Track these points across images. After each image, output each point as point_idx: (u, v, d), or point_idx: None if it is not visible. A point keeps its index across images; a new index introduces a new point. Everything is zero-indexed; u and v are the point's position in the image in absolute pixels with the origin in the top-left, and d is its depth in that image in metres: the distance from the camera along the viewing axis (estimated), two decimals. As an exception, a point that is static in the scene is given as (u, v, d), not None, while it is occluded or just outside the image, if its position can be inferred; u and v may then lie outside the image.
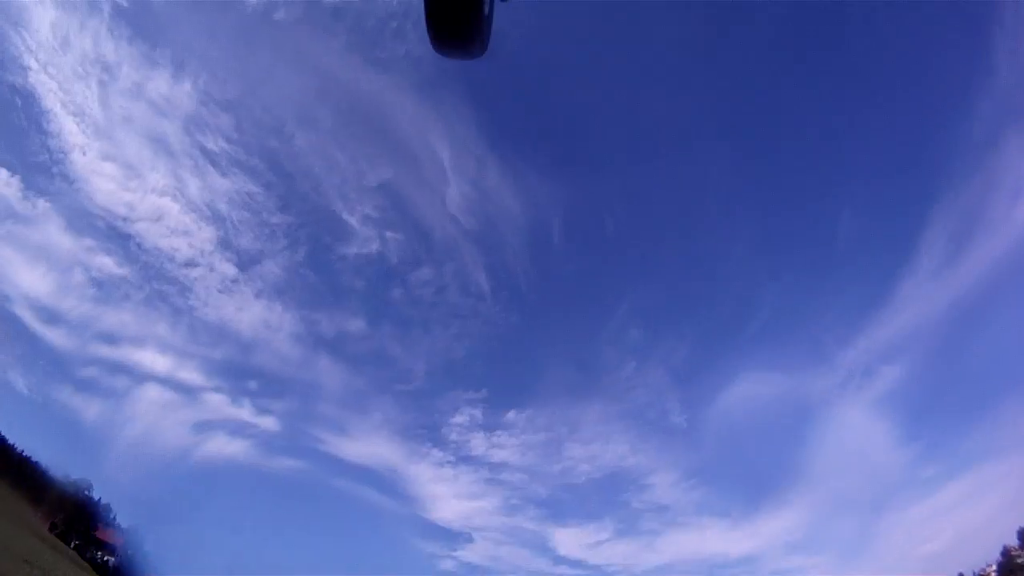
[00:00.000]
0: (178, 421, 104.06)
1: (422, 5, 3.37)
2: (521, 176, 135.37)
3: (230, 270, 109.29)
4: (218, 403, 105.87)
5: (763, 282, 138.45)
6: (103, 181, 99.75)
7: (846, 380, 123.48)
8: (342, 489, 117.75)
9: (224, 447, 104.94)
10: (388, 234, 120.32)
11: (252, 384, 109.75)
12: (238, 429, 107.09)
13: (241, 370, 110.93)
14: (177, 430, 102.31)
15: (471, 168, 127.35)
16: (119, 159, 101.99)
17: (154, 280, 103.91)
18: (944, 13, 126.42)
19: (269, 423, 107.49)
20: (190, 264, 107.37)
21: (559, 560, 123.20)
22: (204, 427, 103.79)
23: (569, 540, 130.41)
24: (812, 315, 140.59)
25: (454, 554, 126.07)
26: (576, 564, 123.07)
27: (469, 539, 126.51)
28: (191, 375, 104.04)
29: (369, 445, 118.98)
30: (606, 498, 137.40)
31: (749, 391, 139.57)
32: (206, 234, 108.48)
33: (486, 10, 3.61)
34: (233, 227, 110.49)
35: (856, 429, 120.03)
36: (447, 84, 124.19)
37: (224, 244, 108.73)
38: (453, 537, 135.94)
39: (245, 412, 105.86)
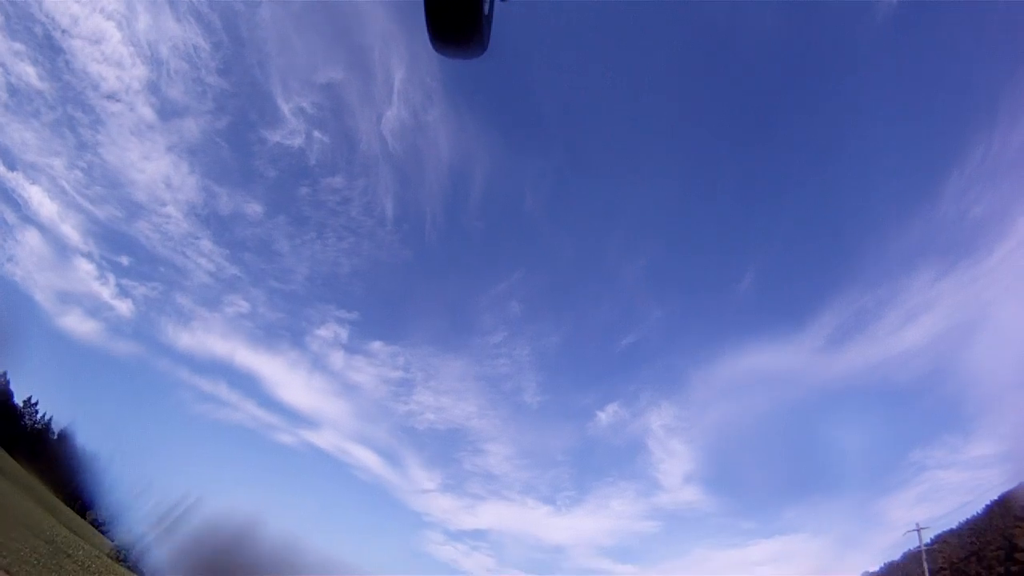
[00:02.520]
0: (47, 283, 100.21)
1: (422, 4, 3.33)
2: (463, 125, 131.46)
3: (149, 115, 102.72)
4: (85, 274, 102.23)
5: (650, 305, 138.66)
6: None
7: (698, 415, 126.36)
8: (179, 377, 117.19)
9: (78, 325, 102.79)
10: (316, 133, 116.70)
11: (124, 259, 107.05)
12: (95, 310, 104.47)
13: (119, 238, 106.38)
14: (45, 292, 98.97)
15: (418, 98, 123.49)
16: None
17: (71, 104, 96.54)
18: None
19: (124, 308, 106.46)
20: (112, 97, 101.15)
21: (416, 489, 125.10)
22: (67, 298, 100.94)
23: (420, 472, 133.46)
24: (682, 347, 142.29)
25: (297, 431, 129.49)
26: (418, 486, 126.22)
27: (316, 425, 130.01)
28: (71, 232, 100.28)
29: (222, 338, 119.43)
30: (442, 451, 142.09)
31: (601, 399, 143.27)
32: (138, 72, 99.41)
33: (486, 9, 3.57)
34: (168, 74, 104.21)
35: (689, 463, 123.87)
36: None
37: (152, 88, 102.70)
38: (299, 417, 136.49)
39: (106, 291, 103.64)
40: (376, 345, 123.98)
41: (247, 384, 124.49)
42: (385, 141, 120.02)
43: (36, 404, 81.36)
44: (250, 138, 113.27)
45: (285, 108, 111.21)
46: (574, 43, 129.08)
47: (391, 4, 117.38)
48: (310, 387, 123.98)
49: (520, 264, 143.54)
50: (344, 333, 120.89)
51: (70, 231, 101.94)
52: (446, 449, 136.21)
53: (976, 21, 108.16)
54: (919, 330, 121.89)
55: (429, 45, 3.64)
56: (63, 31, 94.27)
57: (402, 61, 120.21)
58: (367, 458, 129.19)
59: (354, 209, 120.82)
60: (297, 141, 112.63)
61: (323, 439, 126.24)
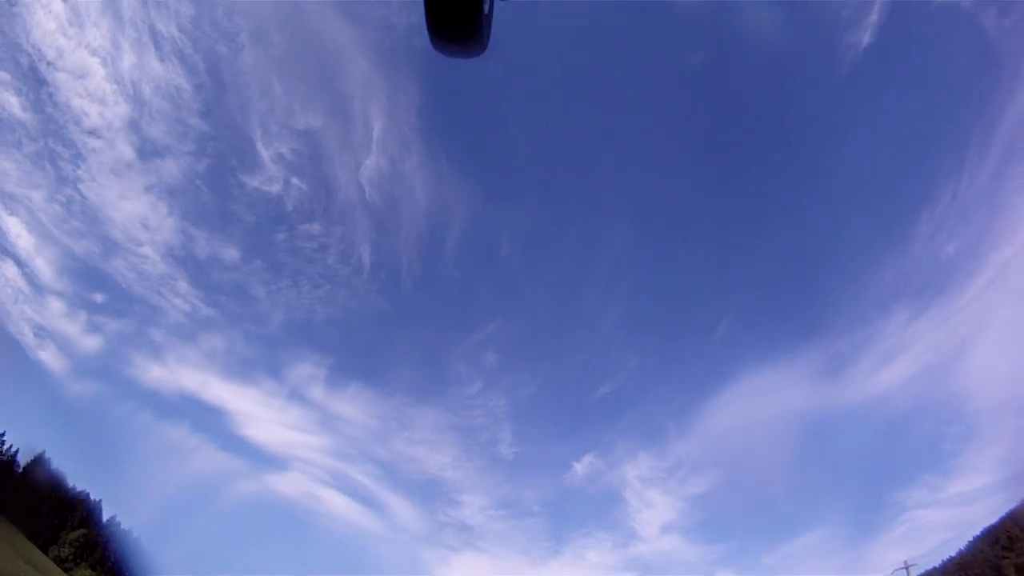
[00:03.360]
0: (21, 316, 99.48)
1: (422, 3, 3.35)
2: (441, 173, 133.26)
3: (129, 154, 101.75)
4: (56, 311, 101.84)
5: (626, 354, 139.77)
6: (45, 17, 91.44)
7: (675, 466, 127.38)
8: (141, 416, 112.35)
9: (53, 360, 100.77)
10: (294, 180, 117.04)
11: (99, 296, 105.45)
12: (64, 345, 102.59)
13: (95, 274, 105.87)
14: (19, 325, 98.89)
15: (396, 147, 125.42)
16: (70, 0, 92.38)
17: (52, 137, 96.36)
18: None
19: (92, 344, 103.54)
20: (93, 134, 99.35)
21: (397, 527, 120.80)
22: (42, 333, 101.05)
23: (402, 509, 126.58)
24: (658, 396, 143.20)
25: (262, 477, 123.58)
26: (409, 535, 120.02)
27: (284, 466, 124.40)
28: (45, 268, 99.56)
29: (194, 369, 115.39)
30: (415, 502, 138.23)
31: (576, 449, 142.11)
32: (120, 110, 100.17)
33: (486, 9, 3.59)
34: (149, 114, 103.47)
35: (667, 513, 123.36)
36: (408, 61, 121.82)
37: (133, 127, 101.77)
38: (266, 459, 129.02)
39: (76, 327, 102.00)
40: (352, 389, 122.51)
41: (211, 422, 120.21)
42: (363, 189, 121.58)
43: (3, 435, 78.68)
44: (229, 182, 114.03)
45: (264, 154, 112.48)
46: (549, 90, 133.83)
47: (373, 53, 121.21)
48: (285, 419, 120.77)
49: (496, 314, 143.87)
50: (321, 374, 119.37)
51: (44, 267, 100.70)
52: (418, 500, 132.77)
53: (942, 63, 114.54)
54: (895, 371, 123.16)
55: (429, 46, 3.65)
56: (48, 63, 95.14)
57: (382, 110, 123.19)
58: (339, 504, 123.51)
59: (330, 256, 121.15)
60: (275, 187, 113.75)
61: (289, 483, 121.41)
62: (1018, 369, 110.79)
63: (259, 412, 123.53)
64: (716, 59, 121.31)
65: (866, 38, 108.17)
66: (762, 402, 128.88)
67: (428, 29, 3.52)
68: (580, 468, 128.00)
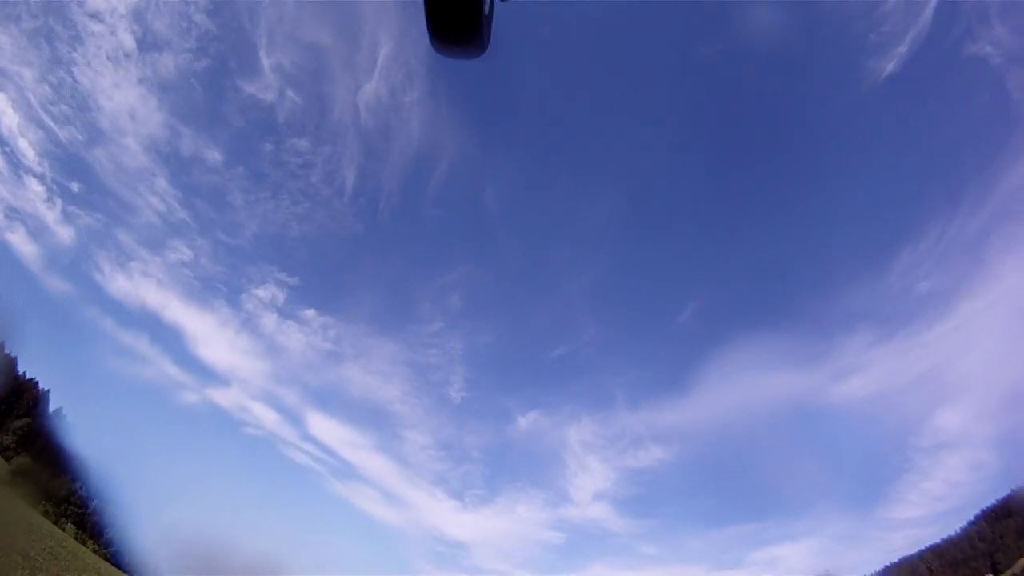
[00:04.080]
0: None
1: (422, 4, 3.24)
2: (439, 112, 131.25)
3: (129, 43, 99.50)
4: (34, 194, 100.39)
5: (587, 321, 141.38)
6: None
7: (618, 436, 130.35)
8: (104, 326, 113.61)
9: (22, 244, 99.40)
10: (290, 92, 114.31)
11: (75, 185, 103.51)
12: (37, 231, 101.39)
13: (75, 162, 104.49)
14: None
15: (399, 76, 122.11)
16: None
17: (53, 15, 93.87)
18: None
19: (66, 236, 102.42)
20: (95, 16, 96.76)
21: (307, 437, 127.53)
22: (12, 215, 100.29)
23: (325, 427, 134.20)
24: (613, 367, 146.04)
25: (204, 391, 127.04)
26: (325, 448, 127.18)
27: (225, 383, 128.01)
28: (27, 148, 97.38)
29: (158, 285, 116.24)
30: (366, 420, 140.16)
31: (523, 404, 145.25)
32: None
33: (486, 10, 3.51)
34: (156, 5, 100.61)
35: (602, 481, 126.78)
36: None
37: (138, 15, 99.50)
38: (210, 375, 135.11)
39: (52, 215, 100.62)
40: (310, 313, 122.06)
41: (169, 339, 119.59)
42: (358, 112, 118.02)
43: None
44: (224, 84, 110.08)
45: (265, 61, 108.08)
46: (558, 53, 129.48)
47: None
48: (233, 346, 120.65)
49: (468, 259, 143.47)
50: (281, 296, 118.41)
51: (26, 147, 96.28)
52: (369, 422, 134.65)
53: (958, 108, 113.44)
54: (848, 389, 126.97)
55: (429, 45, 3.60)
56: None
57: (391, 37, 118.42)
58: (264, 415, 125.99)
59: (314, 175, 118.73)
60: (270, 96, 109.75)
61: (227, 397, 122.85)
62: (965, 415, 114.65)
63: (213, 335, 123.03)
64: (730, 56, 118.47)
65: (890, 67, 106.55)
66: (715, 392, 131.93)
67: (428, 30, 3.45)
68: (524, 423, 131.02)
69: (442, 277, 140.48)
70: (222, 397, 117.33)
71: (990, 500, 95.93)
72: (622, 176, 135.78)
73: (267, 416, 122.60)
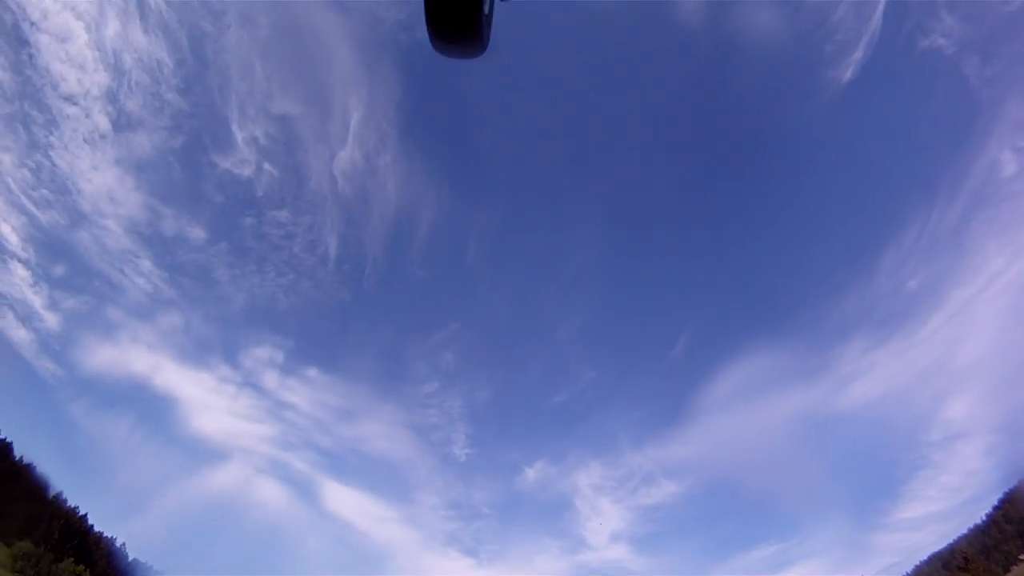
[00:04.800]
0: None
1: (422, 4, 3.29)
2: (414, 171, 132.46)
3: (104, 124, 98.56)
4: (20, 278, 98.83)
5: (583, 363, 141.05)
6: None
7: (627, 476, 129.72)
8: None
9: (10, 329, 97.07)
10: (266, 165, 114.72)
11: (60, 269, 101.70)
12: (27, 317, 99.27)
13: (58, 245, 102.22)
14: None
15: (372, 141, 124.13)
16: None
17: (28, 100, 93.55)
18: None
19: (53, 321, 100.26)
20: (69, 99, 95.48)
21: (324, 514, 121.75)
22: (0, 300, 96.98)
23: (343, 498, 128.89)
24: (613, 407, 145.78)
25: (199, 472, 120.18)
26: (344, 524, 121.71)
27: (224, 457, 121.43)
28: (11, 233, 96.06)
29: (148, 349, 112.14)
30: (382, 479, 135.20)
31: (529, 455, 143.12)
32: (99, 78, 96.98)
33: (486, 9, 3.53)
34: (128, 86, 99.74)
35: (616, 521, 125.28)
36: (392, 56, 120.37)
37: (111, 97, 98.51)
38: (208, 452, 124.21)
39: (39, 300, 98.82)
40: (312, 372, 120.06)
41: (160, 413, 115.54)
42: (335, 180, 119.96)
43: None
44: (201, 161, 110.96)
45: (239, 135, 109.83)
46: (527, 99, 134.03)
47: (358, 45, 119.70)
48: (234, 408, 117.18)
49: (458, 315, 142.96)
50: (280, 355, 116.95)
51: (9, 232, 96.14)
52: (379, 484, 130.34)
53: (921, 104, 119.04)
54: (851, 397, 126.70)
55: (429, 46, 3.58)
56: (32, 23, 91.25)
57: (361, 102, 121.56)
58: (272, 490, 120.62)
59: (297, 245, 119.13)
60: (247, 171, 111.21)
61: (227, 474, 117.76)
62: (972, 402, 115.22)
63: (207, 400, 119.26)
64: (696, 83, 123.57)
65: (848, 74, 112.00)
66: (718, 419, 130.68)
67: (428, 30, 3.44)
68: (532, 473, 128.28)
69: (433, 336, 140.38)
70: (223, 475, 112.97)
71: (1010, 482, 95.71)
72: (599, 211, 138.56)
73: (277, 490, 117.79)
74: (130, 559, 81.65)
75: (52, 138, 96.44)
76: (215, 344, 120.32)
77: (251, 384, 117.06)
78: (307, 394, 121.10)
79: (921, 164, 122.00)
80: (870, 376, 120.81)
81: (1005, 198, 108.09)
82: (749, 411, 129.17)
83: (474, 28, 3.43)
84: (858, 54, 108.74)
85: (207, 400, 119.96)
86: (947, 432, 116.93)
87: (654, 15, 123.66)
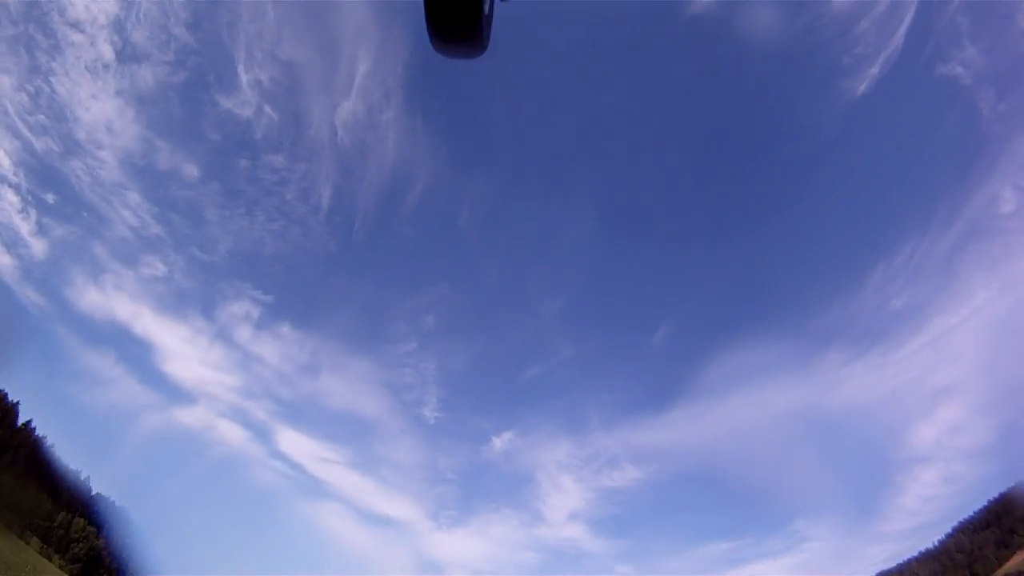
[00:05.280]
0: None
1: (422, 4, 3.26)
2: (416, 131, 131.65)
3: (108, 54, 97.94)
4: (9, 203, 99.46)
5: (562, 341, 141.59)
6: None
7: (593, 457, 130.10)
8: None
9: None
10: (267, 108, 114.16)
11: (51, 196, 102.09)
12: (11, 242, 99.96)
13: (50, 173, 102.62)
14: None
15: (376, 95, 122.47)
16: None
17: (34, 23, 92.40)
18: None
19: (40, 248, 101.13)
20: (76, 26, 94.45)
21: (276, 454, 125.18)
22: None
23: (296, 443, 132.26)
24: (587, 387, 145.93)
25: (167, 411, 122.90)
26: (295, 466, 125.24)
27: (192, 401, 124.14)
28: (3, 157, 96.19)
29: (130, 298, 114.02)
30: (344, 431, 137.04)
31: (498, 425, 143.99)
32: (107, 6, 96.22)
33: (486, 9, 3.50)
34: (136, 16, 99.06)
35: (576, 501, 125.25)
36: (407, 11, 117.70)
37: (117, 26, 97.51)
38: (177, 394, 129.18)
39: (26, 226, 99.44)
40: (285, 328, 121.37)
41: (137, 355, 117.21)
42: (335, 130, 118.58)
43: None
44: (202, 98, 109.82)
45: (244, 77, 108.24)
46: (539, 77, 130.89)
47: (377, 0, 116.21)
48: (206, 357, 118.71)
49: (443, 279, 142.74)
50: (256, 312, 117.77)
51: (2, 156, 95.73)
52: (346, 431, 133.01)
53: (930, 128, 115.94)
54: (824, 404, 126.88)
55: (429, 45, 3.55)
56: None
57: (369, 55, 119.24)
58: (232, 432, 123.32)
59: (290, 192, 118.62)
60: (247, 112, 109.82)
61: (192, 415, 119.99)
62: (939, 429, 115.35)
63: (183, 348, 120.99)
64: (707, 76, 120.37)
65: (862, 88, 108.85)
66: (689, 410, 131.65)
67: (428, 30, 3.43)
68: (499, 443, 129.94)
69: (416, 297, 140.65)
70: (187, 416, 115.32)
71: (966, 512, 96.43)
72: (597, 194, 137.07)
73: (235, 432, 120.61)
74: (93, 492, 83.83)
75: (54, 64, 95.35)
76: (194, 296, 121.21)
77: (224, 337, 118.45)
78: (277, 348, 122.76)
79: (922, 187, 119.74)
80: (845, 386, 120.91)
81: (1000, 233, 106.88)
82: (722, 407, 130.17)
83: (474, 28, 3.41)
84: (874, 70, 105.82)
85: (181, 349, 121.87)
86: (911, 454, 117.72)
87: (675, 5, 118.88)
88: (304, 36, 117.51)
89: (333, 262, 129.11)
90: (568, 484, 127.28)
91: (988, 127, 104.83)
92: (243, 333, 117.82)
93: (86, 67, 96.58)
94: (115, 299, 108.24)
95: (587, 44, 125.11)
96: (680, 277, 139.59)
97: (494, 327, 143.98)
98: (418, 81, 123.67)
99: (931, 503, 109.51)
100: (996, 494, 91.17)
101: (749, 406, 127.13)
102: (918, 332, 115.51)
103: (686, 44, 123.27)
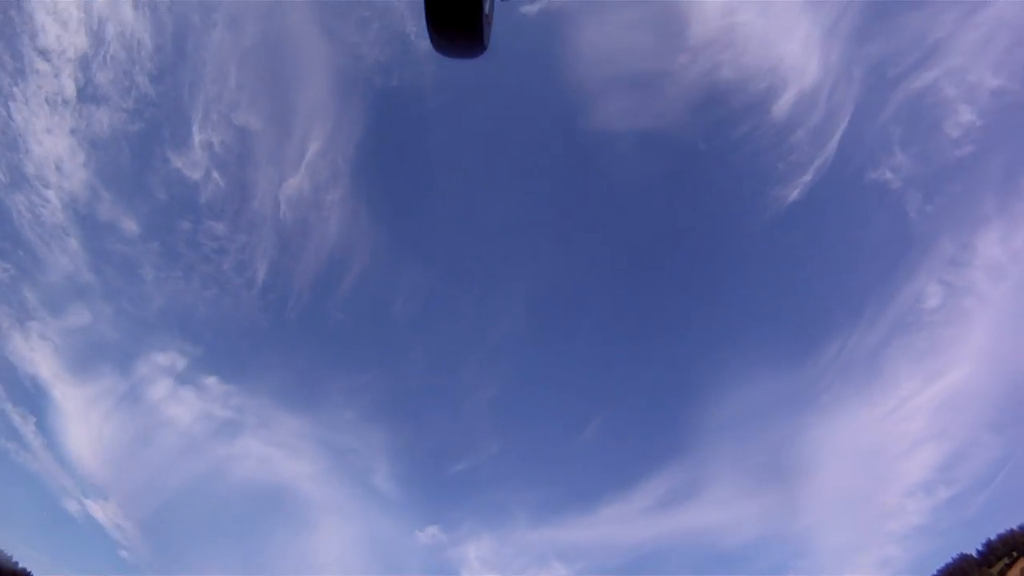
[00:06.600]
0: None
1: (422, 4, 3.31)
2: (358, 215, 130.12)
3: (70, 89, 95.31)
4: None
5: (491, 435, 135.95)
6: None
7: (518, 554, 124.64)
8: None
9: None
10: (215, 174, 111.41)
11: None
12: None
13: None
14: None
15: (324, 174, 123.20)
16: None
17: (4, 41, 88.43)
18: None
19: None
20: (43, 54, 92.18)
21: None
22: None
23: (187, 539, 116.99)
24: (513, 484, 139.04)
25: (85, 500, 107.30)
26: None
27: (103, 496, 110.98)
28: None
29: (50, 355, 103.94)
30: (248, 515, 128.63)
31: (423, 518, 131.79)
32: (78, 41, 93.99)
33: (486, 9, 3.55)
34: (104, 56, 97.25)
35: None
36: (364, 94, 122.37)
37: (84, 63, 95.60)
38: (85, 486, 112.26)
39: None
40: (212, 380, 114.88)
41: (54, 425, 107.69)
42: (279, 205, 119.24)
43: None
44: (154, 153, 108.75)
45: (197, 137, 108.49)
46: (483, 170, 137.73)
47: (335, 75, 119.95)
48: (105, 432, 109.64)
49: (372, 367, 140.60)
50: (183, 363, 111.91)
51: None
52: (254, 512, 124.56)
53: (859, 230, 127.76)
54: (751, 503, 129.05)
55: (429, 46, 3.60)
56: None
57: (323, 133, 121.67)
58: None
59: (227, 262, 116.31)
60: (196, 174, 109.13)
61: (103, 511, 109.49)
62: (866, 516, 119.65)
63: (86, 418, 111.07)
64: (638, 173, 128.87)
65: (794, 195, 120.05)
66: (617, 510, 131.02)
67: (428, 29, 3.47)
68: (423, 538, 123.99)
69: (342, 383, 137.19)
70: (99, 511, 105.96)
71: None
72: (530, 291, 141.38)
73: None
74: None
75: (15, 89, 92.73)
76: (114, 349, 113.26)
77: (133, 398, 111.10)
78: (197, 405, 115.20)
79: (851, 288, 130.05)
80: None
81: (924, 327, 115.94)
82: (649, 506, 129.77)
83: (474, 28, 3.44)
84: (807, 177, 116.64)
85: (85, 418, 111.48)
86: (842, 542, 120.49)
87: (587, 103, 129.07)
88: (261, 104, 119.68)
89: (264, 339, 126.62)
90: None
91: (915, 227, 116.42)
92: (161, 387, 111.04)
93: (46, 99, 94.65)
94: (38, 350, 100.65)
95: (530, 139, 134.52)
96: (610, 375, 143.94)
97: (422, 418, 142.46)
98: (368, 163, 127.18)
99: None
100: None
101: (672, 510, 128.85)
102: (844, 427, 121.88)
103: (624, 149, 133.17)
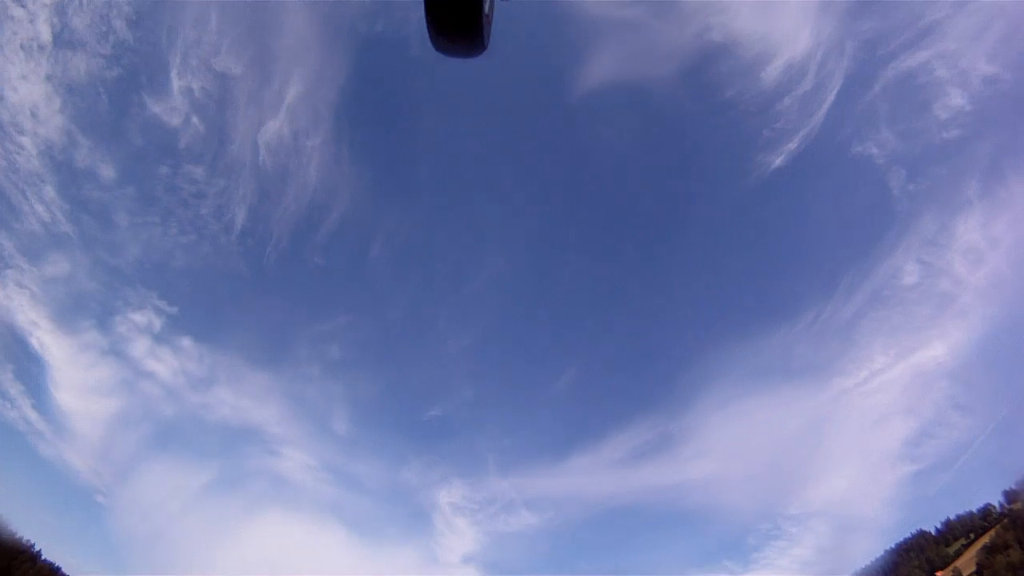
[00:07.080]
0: None
1: (422, 4, 3.34)
2: (339, 160, 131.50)
3: (46, 35, 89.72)
4: None
5: (465, 382, 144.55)
6: None
7: (489, 501, 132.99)
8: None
9: None
10: (195, 118, 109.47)
11: None
12: None
13: None
14: None
15: (304, 119, 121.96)
16: None
17: None
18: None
19: None
20: (19, 1, 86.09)
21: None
22: None
23: (163, 474, 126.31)
24: (487, 431, 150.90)
25: (60, 444, 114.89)
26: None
27: (81, 442, 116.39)
28: None
29: (31, 300, 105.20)
30: (229, 444, 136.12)
31: (398, 460, 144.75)
32: None
33: (486, 9, 3.59)
34: (81, 1, 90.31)
35: (471, 544, 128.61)
36: (346, 41, 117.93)
37: (60, 8, 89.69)
38: (65, 426, 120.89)
39: None
40: (187, 341, 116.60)
41: (33, 373, 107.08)
42: (258, 150, 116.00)
43: None
44: (131, 99, 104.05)
45: (176, 83, 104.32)
46: (469, 115, 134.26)
47: (319, 20, 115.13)
48: (89, 381, 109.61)
49: (351, 309, 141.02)
50: (159, 321, 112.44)
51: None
52: (232, 443, 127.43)
53: (841, 203, 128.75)
54: (715, 463, 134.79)
55: (429, 45, 3.61)
56: None
57: (303, 78, 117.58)
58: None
59: (205, 206, 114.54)
60: (175, 120, 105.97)
61: (78, 454, 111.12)
62: (832, 486, 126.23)
63: (72, 363, 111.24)
64: (630, 138, 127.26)
65: (778, 161, 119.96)
66: (587, 461, 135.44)
67: (428, 29, 3.48)
68: (388, 479, 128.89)
69: (320, 325, 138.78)
70: (73, 454, 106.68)
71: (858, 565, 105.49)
72: (512, 238, 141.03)
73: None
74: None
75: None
76: (94, 303, 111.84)
77: (115, 352, 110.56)
78: (173, 364, 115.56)
79: (829, 258, 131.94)
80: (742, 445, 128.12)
81: (900, 304, 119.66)
82: (617, 461, 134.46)
83: (475, 27, 3.47)
84: (792, 144, 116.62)
85: (70, 364, 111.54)
86: (805, 509, 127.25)
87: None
88: (242, 49, 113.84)
89: (241, 281, 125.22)
90: (463, 527, 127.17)
91: (897, 204, 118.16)
92: (139, 345, 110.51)
93: (21, 45, 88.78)
94: (16, 299, 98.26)
95: (524, 94, 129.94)
96: (586, 329, 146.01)
97: (398, 363, 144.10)
98: (350, 109, 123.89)
99: (827, 554, 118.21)
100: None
101: (640, 464, 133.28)
102: (821, 389, 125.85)
103: (607, 107, 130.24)
